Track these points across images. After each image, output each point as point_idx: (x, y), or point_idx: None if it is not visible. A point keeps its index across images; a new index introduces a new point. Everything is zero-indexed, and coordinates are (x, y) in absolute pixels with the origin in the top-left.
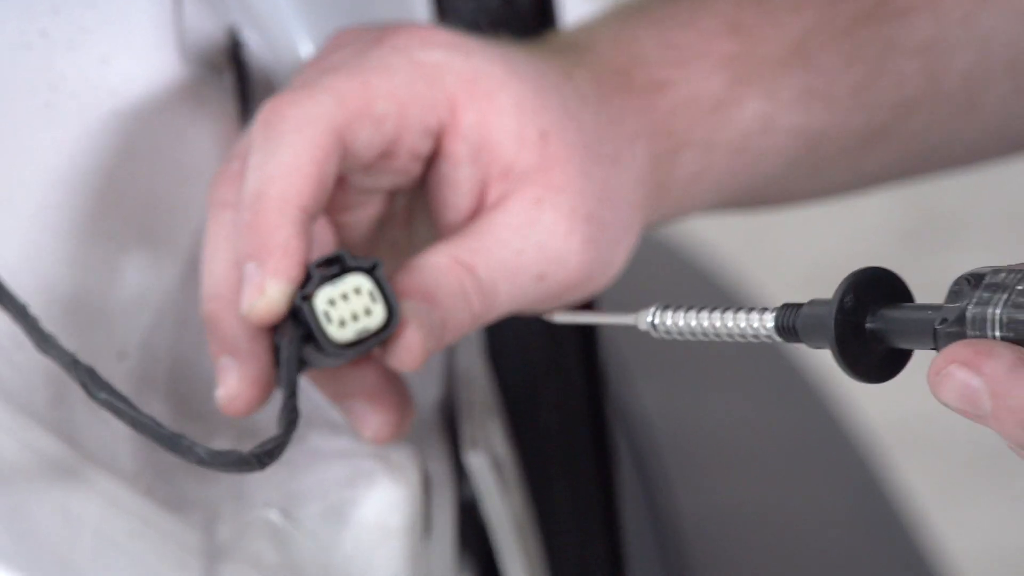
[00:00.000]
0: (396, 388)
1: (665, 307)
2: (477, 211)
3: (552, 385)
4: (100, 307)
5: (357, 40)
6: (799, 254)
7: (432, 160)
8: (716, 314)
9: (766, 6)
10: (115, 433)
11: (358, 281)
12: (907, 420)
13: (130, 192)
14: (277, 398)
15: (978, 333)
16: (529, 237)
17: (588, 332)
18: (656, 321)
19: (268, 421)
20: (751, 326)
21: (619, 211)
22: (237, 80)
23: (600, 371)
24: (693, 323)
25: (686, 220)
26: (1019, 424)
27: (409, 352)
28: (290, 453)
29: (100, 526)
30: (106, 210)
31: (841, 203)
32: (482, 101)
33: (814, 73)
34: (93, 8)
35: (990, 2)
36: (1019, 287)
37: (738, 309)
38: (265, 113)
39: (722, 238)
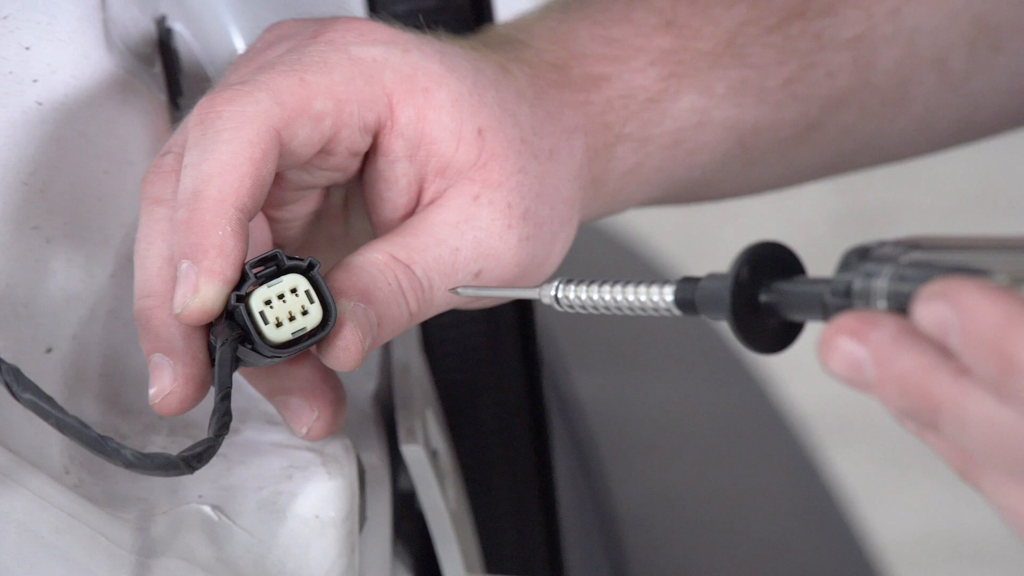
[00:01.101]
0: (330, 384)
1: (568, 280)
2: (413, 208)
3: (489, 375)
4: (26, 301)
5: (293, 34)
6: (735, 243)
7: (369, 156)
8: (618, 287)
9: (700, 2)
10: (43, 428)
11: (295, 281)
12: (839, 405)
13: (57, 184)
14: (210, 395)
15: (864, 304)
16: (466, 234)
17: (525, 323)
18: (559, 294)
19: (204, 416)
20: (651, 299)
21: (556, 206)
22: (167, 71)
23: (537, 361)
24: (595, 296)
25: (623, 213)
26: (902, 392)
27: (347, 352)
28: (225, 447)
29: (26, 522)
30: (31, 202)
31: (775, 193)
32: (419, 97)
33: (747, 67)
34: None
35: None
36: (903, 259)
37: (639, 283)
38: (201, 110)
39: (659, 229)
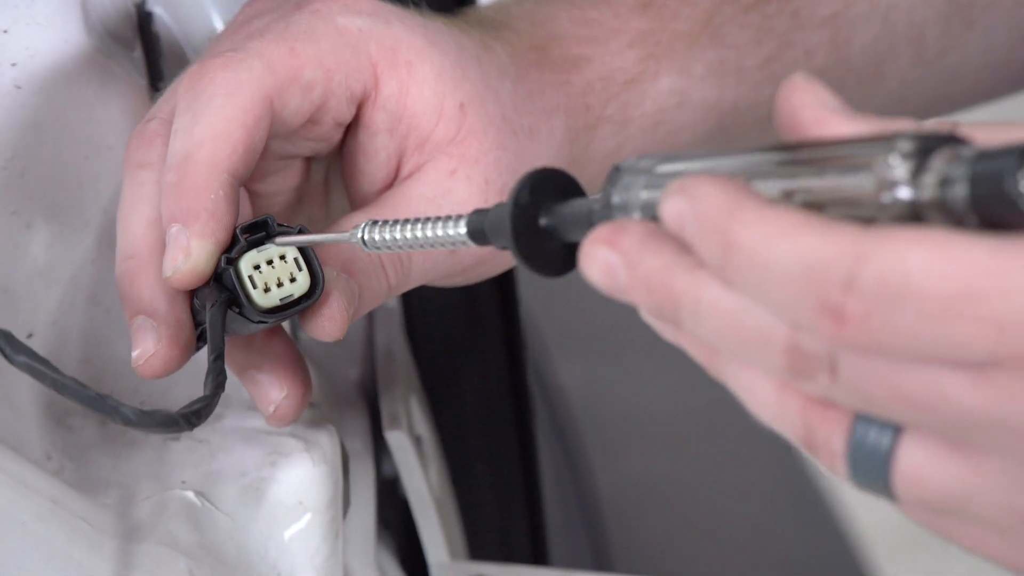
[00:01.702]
0: (300, 366)
1: (375, 222)
2: (391, 182)
3: (472, 361)
4: (5, 285)
5: (276, 6)
6: None
7: (350, 129)
8: (419, 225)
9: None
10: (22, 414)
11: (283, 247)
12: None
13: (36, 168)
14: (188, 379)
15: (624, 215)
16: (443, 208)
17: (508, 310)
18: (365, 236)
19: (185, 401)
20: (447, 233)
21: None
22: (147, 55)
23: (520, 348)
24: (398, 235)
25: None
26: (648, 292)
27: (332, 321)
28: (207, 433)
29: (7, 509)
30: (10, 186)
31: None
32: (403, 71)
33: (725, 48)
34: None
35: None
36: (656, 169)
37: (438, 219)
38: (192, 75)
39: None
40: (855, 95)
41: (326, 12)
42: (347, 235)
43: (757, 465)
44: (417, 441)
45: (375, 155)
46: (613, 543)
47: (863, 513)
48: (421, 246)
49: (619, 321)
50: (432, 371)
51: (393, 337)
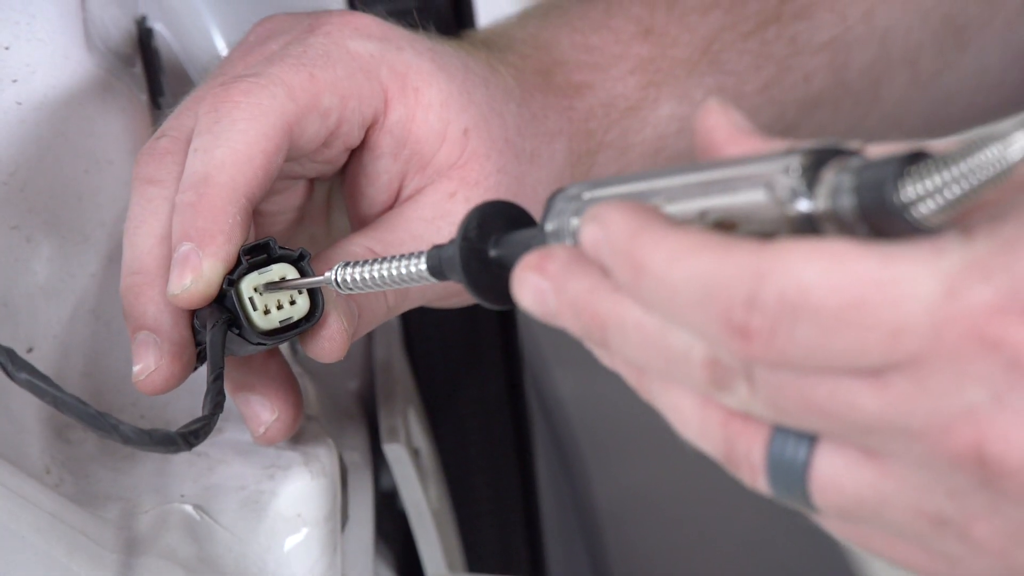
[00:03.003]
0: (293, 389)
1: (346, 264)
2: (391, 204)
3: (471, 375)
4: (5, 300)
5: (287, 29)
6: None
7: (354, 151)
8: (385, 263)
9: (676, 10)
10: (22, 428)
11: (284, 270)
12: None
13: (36, 183)
14: (189, 391)
15: (556, 242)
16: (441, 230)
17: (506, 322)
18: (338, 278)
19: (185, 417)
20: (410, 271)
21: (532, 208)
22: (147, 71)
23: (518, 359)
24: (367, 275)
25: None
26: (575, 315)
27: (331, 342)
28: (207, 447)
29: (7, 523)
30: (11, 201)
31: None
32: (410, 97)
33: (724, 74)
34: None
35: None
36: (584, 196)
37: (402, 256)
38: (216, 98)
39: None
40: (852, 117)
41: (339, 36)
42: (321, 278)
43: None
44: (415, 454)
45: (377, 178)
46: (611, 555)
47: None
48: (389, 284)
49: None
50: (431, 384)
51: (392, 351)
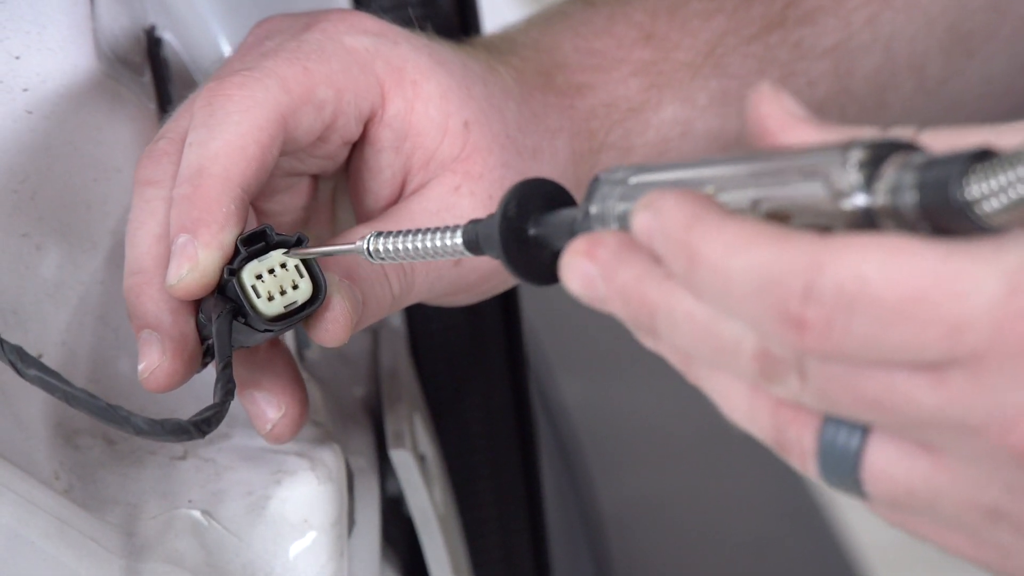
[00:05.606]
0: (299, 385)
1: (379, 234)
2: (396, 199)
3: (476, 380)
4: (15, 307)
5: (284, 28)
6: None
7: (356, 146)
8: (419, 235)
9: (679, 15)
10: (30, 433)
11: (284, 256)
12: None
13: (46, 191)
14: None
15: (602, 226)
16: (446, 224)
17: (511, 328)
18: (370, 247)
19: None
20: (445, 243)
21: None
22: (156, 80)
23: (523, 365)
24: (400, 245)
25: None
26: (624, 302)
27: (336, 324)
28: (213, 452)
29: (15, 527)
30: (21, 209)
31: None
32: (408, 90)
33: (728, 78)
34: (4, 5)
35: (894, 3)
36: (631, 180)
37: (437, 229)
38: (210, 92)
39: None
40: (858, 123)
41: (334, 32)
42: (353, 246)
43: (758, 482)
44: (421, 459)
45: (380, 172)
46: (615, 560)
47: (864, 530)
48: (422, 256)
49: (621, 339)
50: (436, 390)
51: (398, 356)
